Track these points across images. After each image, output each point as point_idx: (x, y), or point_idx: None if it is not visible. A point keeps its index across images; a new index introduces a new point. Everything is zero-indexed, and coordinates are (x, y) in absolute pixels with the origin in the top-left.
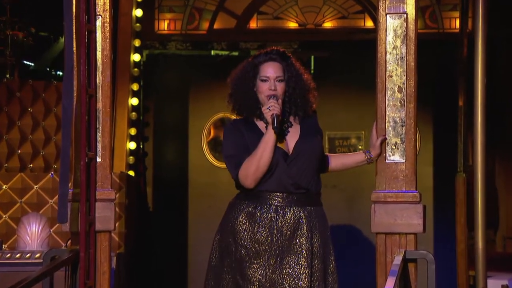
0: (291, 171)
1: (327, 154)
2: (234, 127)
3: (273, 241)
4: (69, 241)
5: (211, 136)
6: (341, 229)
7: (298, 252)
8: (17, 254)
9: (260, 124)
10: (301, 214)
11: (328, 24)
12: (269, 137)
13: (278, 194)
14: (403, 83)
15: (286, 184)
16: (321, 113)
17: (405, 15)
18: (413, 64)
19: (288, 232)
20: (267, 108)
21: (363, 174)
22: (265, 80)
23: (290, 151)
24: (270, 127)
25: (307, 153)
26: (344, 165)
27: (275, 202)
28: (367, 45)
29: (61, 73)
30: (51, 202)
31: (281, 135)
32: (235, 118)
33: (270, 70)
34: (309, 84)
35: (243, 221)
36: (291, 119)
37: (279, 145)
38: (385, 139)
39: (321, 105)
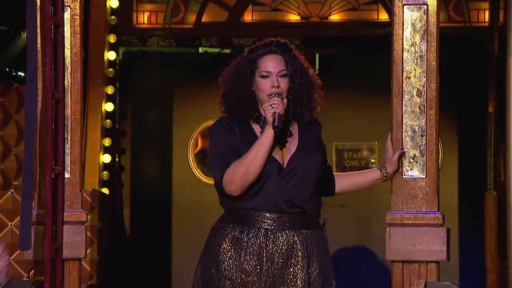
0: (285, 186)
1: (336, 173)
2: (226, 124)
3: (263, 271)
4: (32, 271)
5: (198, 148)
6: (350, 255)
7: (293, 283)
8: None
9: (256, 128)
10: (296, 238)
11: (335, 17)
12: (266, 138)
13: (268, 214)
14: (423, 86)
15: (278, 201)
16: (327, 120)
17: (425, 6)
18: (434, 63)
19: (281, 260)
20: (270, 105)
21: (376, 192)
22: (266, 76)
23: (285, 164)
24: (268, 127)
25: (304, 168)
26: (357, 185)
27: (264, 225)
28: (380, 41)
29: (23, 74)
30: (11, 225)
31: (279, 143)
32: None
33: (272, 64)
34: (315, 80)
35: (227, 248)
36: (292, 126)
37: (274, 155)
38: (404, 153)
39: (328, 111)
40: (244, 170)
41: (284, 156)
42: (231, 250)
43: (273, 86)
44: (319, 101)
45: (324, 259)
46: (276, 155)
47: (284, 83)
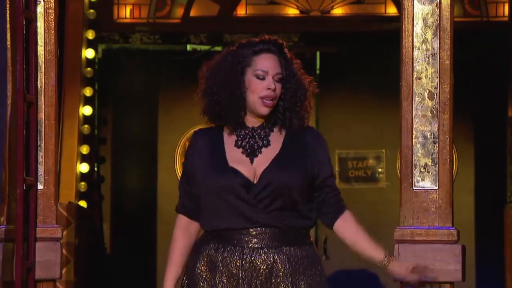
0: (257, 203)
1: (348, 215)
2: (193, 139)
3: None
4: None
5: None
6: (353, 275)
7: None
8: None
9: (230, 140)
10: (276, 257)
11: (338, 11)
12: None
13: (243, 232)
14: (435, 88)
15: (251, 219)
16: (329, 125)
17: None
18: (448, 62)
19: (258, 282)
20: None
21: (383, 205)
22: (262, 77)
23: (256, 178)
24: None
25: (278, 184)
26: (355, 246)
27: (240, 243)
28: (388, 38)
29: None
30: None
31: (250, 155)
32: (204, 127)
33: (270, 64)
34: (309, 88)
35: (202, 269)
36: (275, 132)
37: (239, 168)
38: (422, 269)
39: (329, 115)
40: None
41: (257, 169)
42: (206, 270)
43: (269, 88)
44: (309, 110)
45: (314, 278)
46: (243, 168)
47: (279, 88)
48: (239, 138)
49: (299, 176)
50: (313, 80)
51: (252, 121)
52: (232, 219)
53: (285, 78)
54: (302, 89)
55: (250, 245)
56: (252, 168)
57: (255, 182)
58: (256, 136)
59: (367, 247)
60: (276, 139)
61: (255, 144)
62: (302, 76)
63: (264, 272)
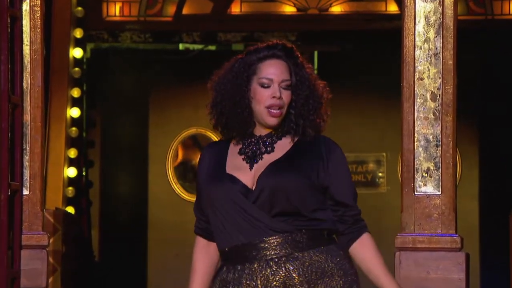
0: (259, 212)
1: (365, 239)
2: (202, 156)
3: None
4: None
5: (179, 160)
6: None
7: None
8: None
9: (233, 149)
10: (288, 266)
11: (337, 9)
12: None
13: (248, 245)
14: (438, 89)
15: (255, 228)
16: (327, 128)
17: None
18: (451, 62)
19: None
20: None
21: (384, 210)
22: (267, 85)
23: (254, 185)
24: None
25: (273, 189)
26: (369, 274)
27: (249, 259)
28: (389, 36)
29: None
30: None
31: (250, 161)
32: (215, 140)
33: (274, 71)
34: (323, 94)
35: None
36: (284, 140)
37: (237, 175)
38: None
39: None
40: None
41: (255, 175)
42: None
43: (274, 96)
44: (325, 118)
45: (336, 279)
46: (242, 175)
47: (286, 96)
48: (244, 146)
49: (294, 180)
50: (327, 85)
51: (261, 131)
52: (237, 234)
53: (295, 85)
54: (316, 95)
55: (260, 258)
56: (251, 174)
57: (253, 188)
58: (261, 143)
59: (382, 279)
60: (283, 146)
61: (258, 150)
62: (315, 82)
63: (279, 285)
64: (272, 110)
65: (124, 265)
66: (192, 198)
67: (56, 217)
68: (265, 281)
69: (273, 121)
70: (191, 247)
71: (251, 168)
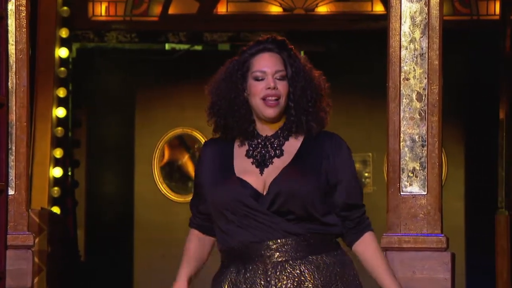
0: (272, 216)
1: (368, 238)
2: (204, 149)
3: None
4: None
5: (165, 160)
6: None
7: None
8: None
9: (239, 150)
10: (303, 268)
11: (323, 9)
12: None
13: (262, 246)
14: (424, 89)
15: (268, 230)
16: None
17: None
18: (437, 62)
19: None
20: None
21: (369, 211)
22: (261, 78)
23: (266, 190)
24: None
25: (287, 195)
26: (372, 272)
27: (262, 259)
28: (375, 37)
29: None
30: None
31: (260, 166)
32: (213, 138)
33: (266, 63)
34: (322, 85)
35: None
36: (291, 140)
37: (247, 179)
38: None
39: None
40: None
41: (266, 180)
42: None
43: (268, 88)
44: (327, 110)
45: (349, 285)
46: (252, 179)
47: (282, 86)
48: (251, 148)
49: (310, 185)
50: (322, 74)
51: (265, 129)
52: (247, 234)
53: (291, 76)
54: (313, 86)
55: (273, 260)
56: (261, 179)
57: (264, 193)
58: (269, 145)
59: (383, 277)
60: (291, 147)
61: (267, 154)
62: (311, 72)
63: (292, 287)
64: (268, 101)
65: (110, 265)
66: (178, 198)
67: (41, 217)
68: (278, 282)
69: (270, 112)
70: (178, 247)
71: (261, 173)
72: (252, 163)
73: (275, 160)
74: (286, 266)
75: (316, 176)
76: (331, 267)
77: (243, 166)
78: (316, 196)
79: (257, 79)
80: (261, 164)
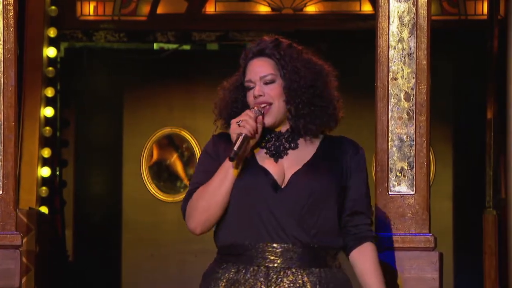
0: (284, 208)
1: (366, 248)
2: (212, 145)
3: None
4: None
5: (153, 159)
6: None
7: None
8: None
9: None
10: (306, 278)
11: (311, 9)
12: (225, 170)
13: (268, 247)
14: (412, 89)
15: (279, 228)
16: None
17: None
18: (425, 62)
19: None
20: (237, 123)
21: None
22: (252, 87)
23: (285, 183)
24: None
25: (303, 190)
26: (362, 284)
27: (265, 262)
28: (363, 36)
29: None
30: None
31: (275, 157)
32: (221, 132)
33: (253, 69)
34: (326, 79)
35: None
36: (308, 138)
37: (269, 168)
38: None
39: None
40: (205, 203)
41: (286, 172)
42: None
43: (254, 97)
44: (336, 105)
45: None
46: (272, 168)
47: (270, 89)
48: (264, 140)
49: (333, 186)
50: (332, 68)
51: (277, 128)
52: (255, 231)
53: (285, 78)
54: (312, 83)
55: (276, 265)
56: (280, 169)
57: (282, 186)
58: (283, 139)
59: (368, 282)
60: (307, 144)
61: (281, 146)
62: (310, 68)
63: None
64: None
65: (98, 265)
66: (166, 197)
67: (29, 217)
68: None
69: (265, 120)
70: (166, 247)
71: (276, 161)
72: (266, 153)
73: (291, 152)
74: (289, 273)
75: (336, 177)
76: (331, 284)
77: (261, 156)
78: (332, 199)
79: (249, 88)
80: (276, 154)
